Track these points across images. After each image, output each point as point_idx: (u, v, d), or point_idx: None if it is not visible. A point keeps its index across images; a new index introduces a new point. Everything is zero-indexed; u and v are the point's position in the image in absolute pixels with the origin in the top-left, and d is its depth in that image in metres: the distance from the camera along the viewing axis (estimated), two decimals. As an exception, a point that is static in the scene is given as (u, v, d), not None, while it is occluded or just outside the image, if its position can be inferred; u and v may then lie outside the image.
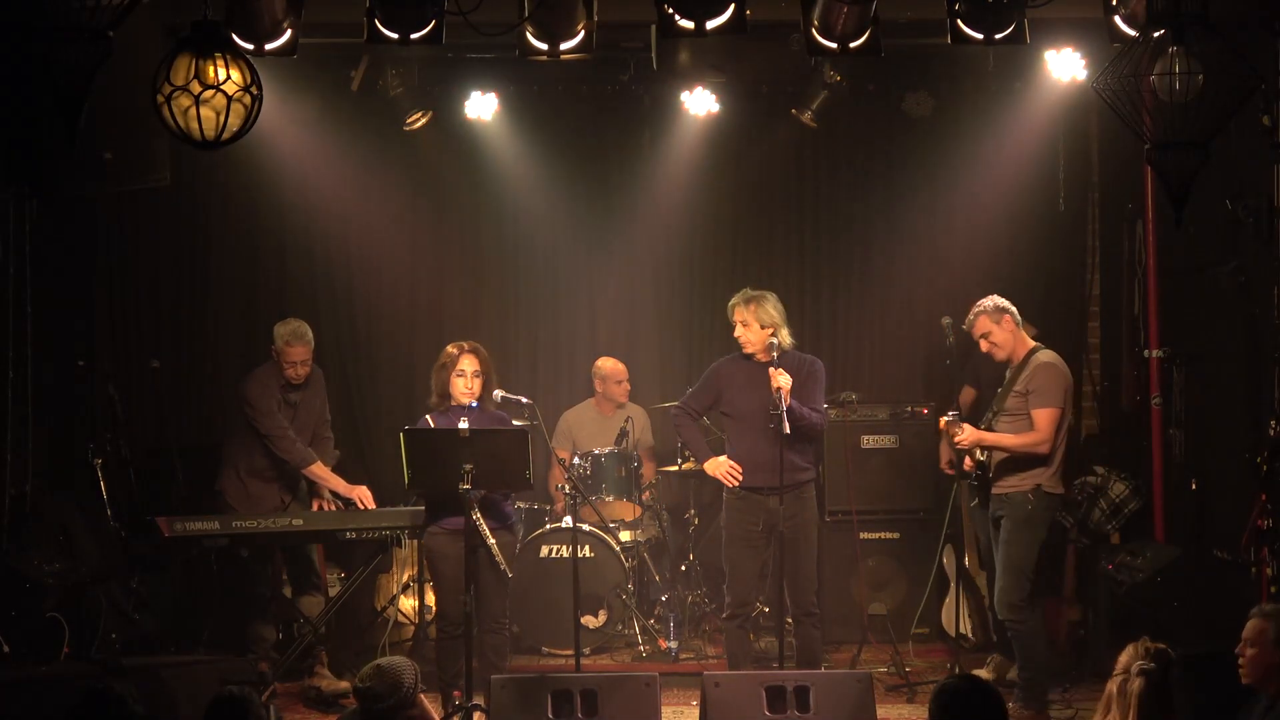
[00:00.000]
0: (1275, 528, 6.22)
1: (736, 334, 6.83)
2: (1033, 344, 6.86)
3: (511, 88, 8.46)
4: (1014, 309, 6.87)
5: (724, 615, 7.01)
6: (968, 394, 7.80)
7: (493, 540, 6.46)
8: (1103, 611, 7.34)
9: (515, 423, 6.89)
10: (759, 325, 6.74)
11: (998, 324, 6.85)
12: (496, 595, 6.59)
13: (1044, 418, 6.63)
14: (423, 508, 6.76)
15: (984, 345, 6.93)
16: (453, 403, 6.60)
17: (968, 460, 6.84)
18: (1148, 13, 4.65)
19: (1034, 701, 6.61)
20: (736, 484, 6.77)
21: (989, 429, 6.83)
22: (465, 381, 6.57)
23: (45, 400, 7.71)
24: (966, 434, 6.76)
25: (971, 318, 6.94)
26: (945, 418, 6.93)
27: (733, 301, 6.87)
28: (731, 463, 6.79)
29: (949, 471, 7.45)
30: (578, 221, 8.86)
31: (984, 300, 6.94)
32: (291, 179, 8.67)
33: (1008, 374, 6.86)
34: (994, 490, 6.75)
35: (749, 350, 6.80)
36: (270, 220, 8.71)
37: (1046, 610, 7.24)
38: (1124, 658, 4.40)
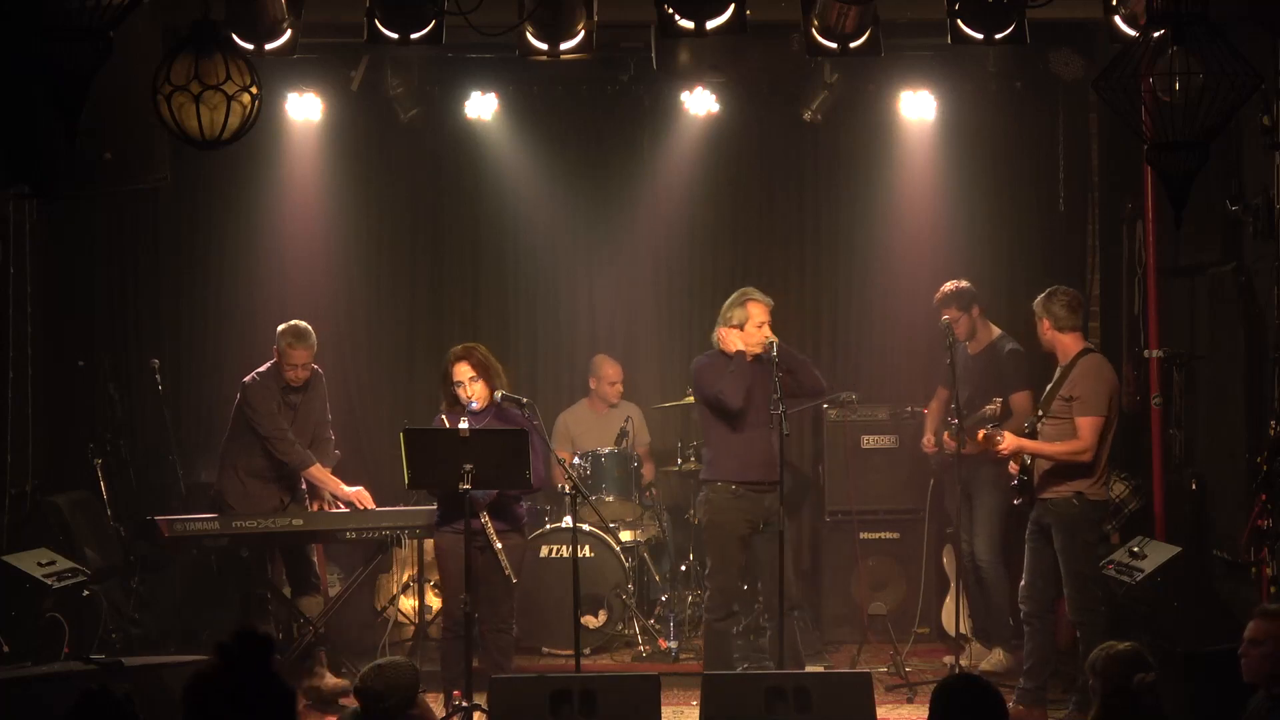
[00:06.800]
0: (1275, 528, 6.21)
1: (758, 333, 6.69)
2: (1083, 345, 6.74)
3: (511, 88, 8.47)
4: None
5: (714, 616, 6.83)
6: (942, 395, 7.85)
7: (499, 545, 6.47)
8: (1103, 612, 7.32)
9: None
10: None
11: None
12: (504, 597, 6.59)
13: (1087, 426, 6.51)
14: (423, 508, 6.76)
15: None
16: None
17: (1012, 464, 6.70)
18: (1148, 13, 4.64)
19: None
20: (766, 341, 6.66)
21: (1033, 432, 6.70)
22: (465, 390, 6.57)
23: (45, 400, 7.71)
24: (1007, 441, 6.62)
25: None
26: (983, 430, 6.84)
27: (766, 301, 6.79)
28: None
29: (930, 450, 7.81)
30: (578, 221, 8.86)
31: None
32: (291, 179, 8.67)
33: (1055, 374, 6.75)
34: (1039, 496, 6.65)
35: (760, 348, 6.68)
36: (270, 220, 8.71)
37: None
38: (1112, 672, 4.31)
